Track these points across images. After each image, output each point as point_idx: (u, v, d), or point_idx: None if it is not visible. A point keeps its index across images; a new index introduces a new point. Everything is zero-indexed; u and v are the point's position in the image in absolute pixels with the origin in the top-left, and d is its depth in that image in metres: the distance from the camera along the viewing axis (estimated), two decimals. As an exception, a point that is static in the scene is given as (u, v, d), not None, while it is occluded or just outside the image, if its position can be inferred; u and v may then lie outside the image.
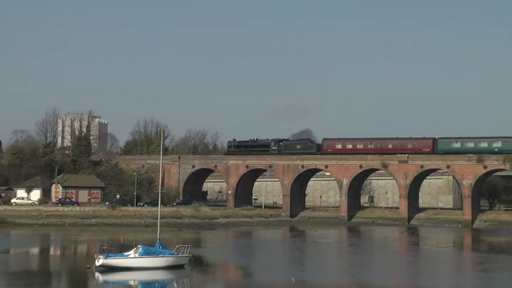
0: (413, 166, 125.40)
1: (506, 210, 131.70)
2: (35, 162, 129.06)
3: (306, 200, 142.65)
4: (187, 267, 58.56)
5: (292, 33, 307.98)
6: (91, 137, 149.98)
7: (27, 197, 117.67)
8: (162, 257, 57.72)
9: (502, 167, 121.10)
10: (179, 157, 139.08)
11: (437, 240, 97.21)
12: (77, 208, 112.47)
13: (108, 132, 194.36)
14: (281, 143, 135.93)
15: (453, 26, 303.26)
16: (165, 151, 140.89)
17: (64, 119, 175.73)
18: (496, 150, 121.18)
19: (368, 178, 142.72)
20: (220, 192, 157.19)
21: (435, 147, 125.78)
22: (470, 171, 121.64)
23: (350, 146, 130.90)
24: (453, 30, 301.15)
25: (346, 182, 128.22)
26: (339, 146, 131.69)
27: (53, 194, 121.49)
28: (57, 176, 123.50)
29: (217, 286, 53.56)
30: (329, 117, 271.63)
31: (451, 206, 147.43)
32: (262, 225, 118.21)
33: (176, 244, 64.43)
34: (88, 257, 64.33)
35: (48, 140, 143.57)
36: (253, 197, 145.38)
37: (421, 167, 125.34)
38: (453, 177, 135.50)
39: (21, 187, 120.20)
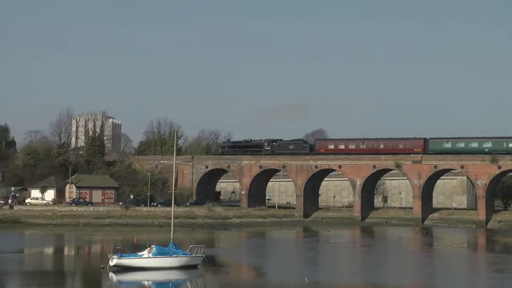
0: (427, 166, 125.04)
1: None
2: (49, 162, 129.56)
3: (320, 200, 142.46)
4: (201, 267, 58.62)
5: (292, 33, 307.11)
6: (105, 138, 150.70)
7: (41, 197, 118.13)
8: (176, 257, 57.78)
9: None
10: (192, 157, 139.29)
11: (451, 240, 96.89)
12: (91, 208, 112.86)
13: (122, 133, 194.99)
14: (274, 143, 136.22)
15: (453, 26, 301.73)
16: (179, 151, 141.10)
17: (78, 120, 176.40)
18: (487, 150, 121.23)
19: (382, 178, 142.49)
20: (234, 192, 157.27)
21: (426, 147, 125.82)
22: (484, 172, 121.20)
23: (342, 147, 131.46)
24: (453, 30, 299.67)
25: (359, 182, 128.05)
26: (332, 147, 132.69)
27: (67, 194, 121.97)
28: (71, 176, 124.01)
29: (231, 286, 53.57)
30: (337, 116, 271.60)
31: (465, 206, 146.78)
32: (276, 225, 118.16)
33: (190, 244, 64.53)
34: (102, 257, 64.49)
35: (62, 141, 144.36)
36: (266, 197, 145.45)
37: (435, 167, 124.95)
38: (467, 177, 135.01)
39: (35, 187, 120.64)
